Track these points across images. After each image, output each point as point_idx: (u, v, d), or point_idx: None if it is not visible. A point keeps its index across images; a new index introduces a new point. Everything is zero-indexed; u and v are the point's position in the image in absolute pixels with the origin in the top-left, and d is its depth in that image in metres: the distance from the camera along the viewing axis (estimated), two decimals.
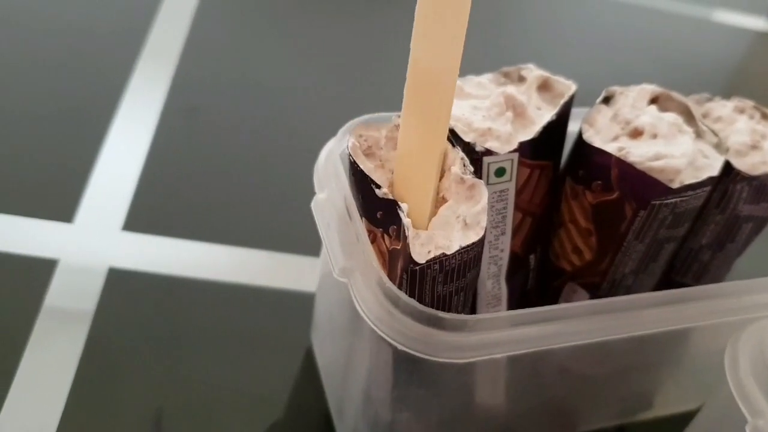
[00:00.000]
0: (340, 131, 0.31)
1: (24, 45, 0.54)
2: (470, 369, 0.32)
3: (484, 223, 0.27)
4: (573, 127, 0.32)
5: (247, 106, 0.54)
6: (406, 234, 0.26)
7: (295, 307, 0.41)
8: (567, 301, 0.34)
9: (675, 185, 0.29)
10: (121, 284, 0.40)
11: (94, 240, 0.42)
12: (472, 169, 0.28)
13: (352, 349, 0.32)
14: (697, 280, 0.35)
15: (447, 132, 0.26)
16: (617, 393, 0.38)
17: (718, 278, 0.35)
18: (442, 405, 0.34)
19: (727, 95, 0.36)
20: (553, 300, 0.34)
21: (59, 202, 0.44)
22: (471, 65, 0.34)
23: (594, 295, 0.33)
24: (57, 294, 0.39)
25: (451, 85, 0.25)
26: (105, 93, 0.51)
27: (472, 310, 0.33)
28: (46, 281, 0.40)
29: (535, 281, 0.35)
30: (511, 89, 0.31)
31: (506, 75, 0.33)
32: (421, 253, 0.26)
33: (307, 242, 0.44)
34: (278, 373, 0.38)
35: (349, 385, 0.34)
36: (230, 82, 0.55)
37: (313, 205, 0.30)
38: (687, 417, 0.36)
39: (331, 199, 0.30)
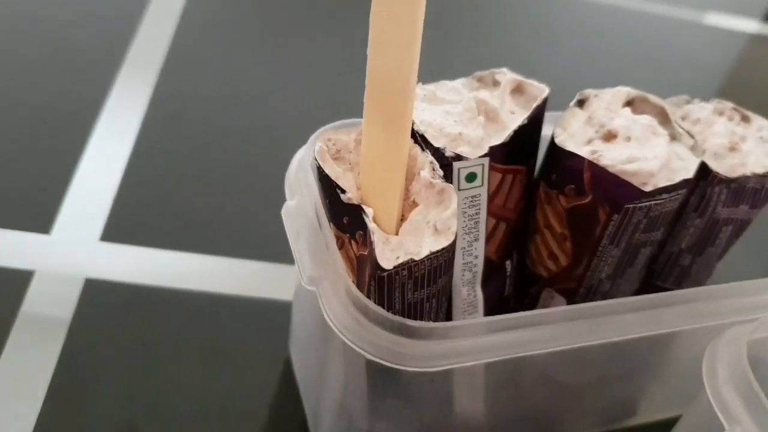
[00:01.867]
0: (311, 138, 0.31)
1: (4, 54, 0.54)
2: (445, 378, 0.32)
3: (454, 228, 0.26)
4: (549, 131, 0.32)
5: (228, 116, 0.53)
6: (372, 239, 0.25)
7: (276, 316, 0.41)
8: (545, 307, 0.33)
9: (648, 188, 0.28)
10: (97, 295, 0.40)
11: (71, 251, 0.42)
12: (441, 173, 0.27)
13: (325, 359, 0.31)
14: (678, 285, 0.35)
15: (409, 138, 0.26)
16: (599, 400, 0.37)
17: (699, 282, 0.35)
18: (419, 415, 0.33)
19: (720, 98, 0.35)
20: (531, 307, 0.34)
21: (37, 214, 0.43)
22: (452, 69, 0.34)
23: (571, 301, 0.32)
24: (32, 305, 0.39)
25: (410, 91, 0.25)
26: (86, 103, 0.51)
27: (448, 318, 0.32)
28: (22, 293, 0.39)
29: (513, 288, 0.34)
30: (484, 94, 0.31)
31: (480, 80, 0.32)
32: (389, 259, 0.26)
33: (287, 251, 0.43)
34: (256, 384, 0.38)
35: (323, 396, 0.33)
36: (211, 92, 0.55)
37: (283, 212, 0.30)
38: (672, 423, 0.35)
39: (301, 206, 0.30)
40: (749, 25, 0.84)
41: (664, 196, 0.29)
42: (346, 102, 0.54)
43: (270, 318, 0.41)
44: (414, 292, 0.26)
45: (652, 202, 0.29)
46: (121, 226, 0.44)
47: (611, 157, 0.28)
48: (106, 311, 0.39)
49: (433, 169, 0.27)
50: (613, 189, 0.28)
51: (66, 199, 0.44)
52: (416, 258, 0.25)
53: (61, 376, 0.36)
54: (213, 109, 0.53)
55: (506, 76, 0.32)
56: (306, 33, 0.63)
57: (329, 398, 0.33)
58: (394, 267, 0.25)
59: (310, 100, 0.55)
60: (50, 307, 0.39)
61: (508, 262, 0.33)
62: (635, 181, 0.28)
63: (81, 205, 0.44)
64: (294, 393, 0.38)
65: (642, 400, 0.39)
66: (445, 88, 0.32)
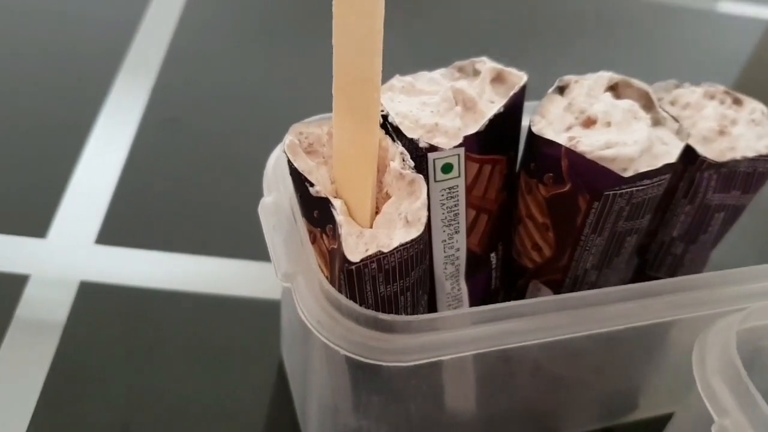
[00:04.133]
0: (287, 135, 0.30)
1: (2, 59, 0.55)
2: (431, 371, 0.31)
3: (424, 219, 0.26)
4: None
5: (224, 118, 0.53)
6: (339, 232, 0.25)
7: (271, 316, 0.40)
8: None
9: (628, 174, 0.27)
10: (91, 298, 0.40)
11: (66, 254, 0.42)
12: (412, 164, 0.27)
13: (308, 356, 0.31)
14: (672, 274, 0.34)
15: (378, 128, 0.26)
16: (595, 392, 0.36)
17: (694, 271, 0.34)
18: (406, 409, 0.33)
19: (736, 89, 0.34)
20: (519, 299, 0.33)
21: (33, 218, 0.44)
22: (433, 59, 0.33)
23: (558, 292, 0.31)
24: (27, 309, 0.39)
25: (376, 80, 0.24)
26: (83, 106, 0.51)
27: (433, 312, 0.32)
28: (17, 296, 0.39)
29: (500, 281, 0.33)
30: (461, 83, 0.30)
31: (460, 69, 0.32)
32: (357, 252, 0.25)
33: None
34: (250, 384, 0.38)
35: (310, 394, 0.33)
36: (209, 95, 0.55)
37: (259, 209, 0.30)
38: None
39: (277, 202, 0.30)
40: (765, 12, 0.82)
41: (646, 182, 0.28)
42: None
43: (265, 318, 0.41)
44: (386, 286, 0.26)
45: (634, 189, 0.28)
46: (117, 229, 0.44)
47: (589, 144, 0.27)
48: (101, 314, 0.40)
49: (404, 160, 0.26)
50: (592, 176, 0.27)
51: (62, 202, 0.45)
52: (385, 250, 0.25)
53: (56, 379, 0.36)
54: (210, 111, 0.54)
55: (486, 65, 0.31)
56: (305, 35, 0.63)
57: (315, 395, 0.33)
58: (362, 260, 0.25)
59: (309, 101, 0.55)
60: (45, 310, 0.39)
61: (493, 255, 0.32)
62: (614, 167, 0.27)
63: (77, 208, 0.44)
64: (286, 392, 0.37)
65: (642, 394, 0.38)
66: (423, 79, 0.31)
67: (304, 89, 0.57)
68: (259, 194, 0.46)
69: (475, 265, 0.31)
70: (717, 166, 0.30)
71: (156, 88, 0.54)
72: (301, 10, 0.66)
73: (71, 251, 0.42)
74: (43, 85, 0.53)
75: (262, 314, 0.41)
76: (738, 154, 0.31)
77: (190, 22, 0.61)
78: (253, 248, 0.44)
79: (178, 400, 0.36)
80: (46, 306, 0.39)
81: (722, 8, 0.80)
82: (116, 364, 0.37)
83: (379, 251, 0.25)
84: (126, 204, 0.45)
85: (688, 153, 0.30)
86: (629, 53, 0.70)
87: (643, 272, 0.34)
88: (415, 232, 0.25)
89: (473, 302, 0.32)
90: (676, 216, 0.32)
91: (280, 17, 0.65)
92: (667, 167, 0.28)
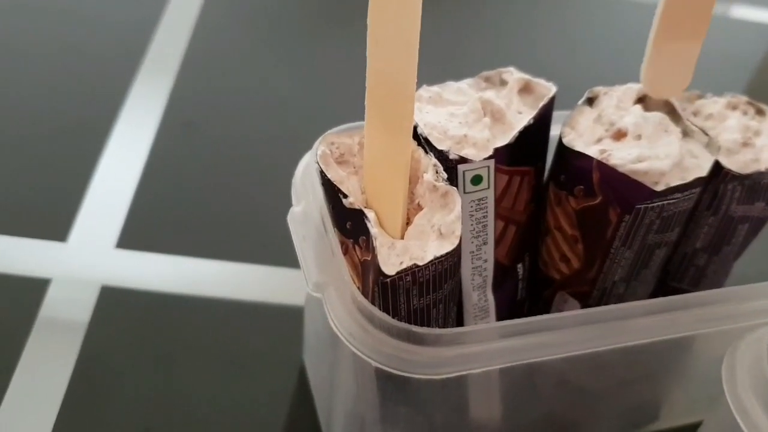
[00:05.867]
0: (316, 143, 0.31)
1: (19, 60, 0.55)
2: (458, 383, 0.31)
3: (458, 232, 0.26)
4: (558, 131, 0.31)
5: (244, 121, 0.53)
6: (374, 245, 0.25)
7: (293, 323, 0.41)
8: (558, 311, 0.33)
9: (660, 188, 0.27)
10: (113, 302, 0.40)
11: (87, 258, 0.42)
12: (445, 176, 0.27)
13: (335, 365, 0.31)
14: (695, 285, 0.34)
15: (410, 140, 0.26)
16: (619, 404, 0.37)
17: (716, 283, 0.34)
18: (432, 422, 0.33)
19: (748, 94, 0.34)
20: (545, 310, 0.33)
21: (53, 222, 0.44)
22: (460, 69, 0.33)
23: (585, 304, 0.31)
24: (49, 313, 0.39)
25: (410, 92, 0.24)
26: (102, 109, 0.51)
27: (459, 324, 0.32)
28: (39, 300, 0.39)
29: (526, 291, 0.33)
30: (489, 94, 0.30)
31: (487, 79, 0.32)
32: (392, 265, 0.25)
33: None
34: (272, 391, 0.38)
35: (335, 403, 0.33)
36: (228, 97, 0.55)
37: (288, 218, 0.30)
38: (695, 428, 0.34)
39: (307, 212, 0.30)
40: None
41: (677, 195, 0.28)
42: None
43: (286, 324, 0.41)
44: (420, 298, 0.26)
45: (665, 202, 0.28)
46: (137, 233, 0.44)
47: (621, 157, 0.28)
48: (122, 318, 0.40)
49: (437, 172, 0.26)
50: (624, 189, 0.27)
51: (83, 206, 0.45)
52: (420, 263, 0.25)
53: (78, 383, 0.36)
54: (229, 114, 0.54)
55: (513, 75, 0.31)
56: (324, 37, 0.63)
57: (341, 405, 0.33)
58: (398, 273, 0.25)
59: (329, 104, 0.55)
60: (67, 314, 0.39)
61: (519, 266, 0.32)
62: (646, 181, 0.27)
63: (97, 212, 0.45)
64: (308, 400, 0.37)
65: (664, 405, 0.38)
66: (450, 89, 0.31)
67: (324, 93, 0.57)
68: (281, 199, 0.46)
69: (502, 276, 0.32)
70: (741, 178, 0.30)
71: (175, 91, 0.54)
72: (322, 13, 0.66)
73: (92, 255, 0.42)
74: (61, 88, 0.53)
75: (283, 320, 0.41)
76: (762, 166, 0.31)
77: (208, 24, 0.61)
78: (275, 254, 0.44)
79: (199, 404, 0.37)
80: (68, 310, 0.39)
81: (735, 13, 0.80)
82: (138, 368, 0.38)
83: (414, 264, 0.25)
84: (146, 208, 0.45)
85: (713, 165, 0.30)
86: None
87: (665, 283, 0.34)
88: (449, 245, 0.25)
89: (499, 313, 0.32)
90: (700, 227, 0.32)
91: (300, 19, 0.65)
92: (698, 181, 0.28)
